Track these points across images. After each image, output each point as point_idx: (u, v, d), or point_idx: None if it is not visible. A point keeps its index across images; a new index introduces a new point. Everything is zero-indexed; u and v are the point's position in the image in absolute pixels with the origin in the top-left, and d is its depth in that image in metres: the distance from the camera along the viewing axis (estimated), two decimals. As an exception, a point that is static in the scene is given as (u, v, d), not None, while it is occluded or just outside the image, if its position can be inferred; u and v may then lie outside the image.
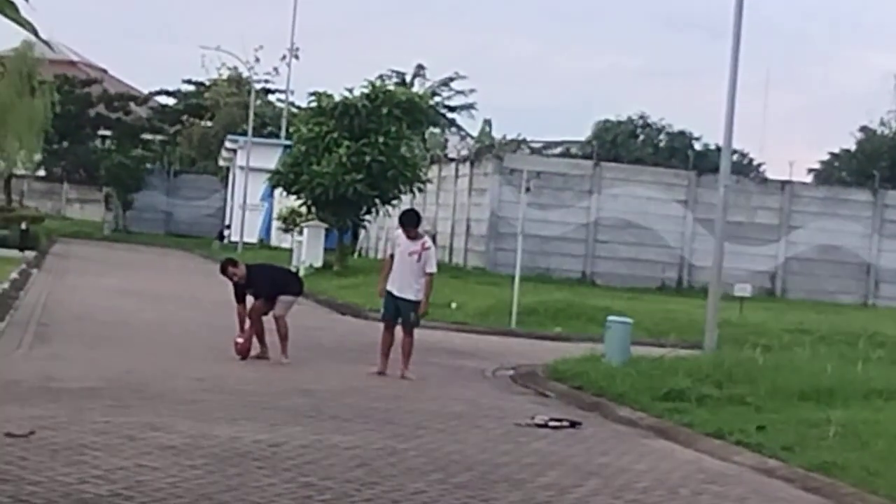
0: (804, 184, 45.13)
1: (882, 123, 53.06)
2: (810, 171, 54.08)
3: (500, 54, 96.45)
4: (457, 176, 42.92)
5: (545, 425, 12.81)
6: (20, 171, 56.71)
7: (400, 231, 15.07)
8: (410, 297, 14.74)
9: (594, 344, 18.67)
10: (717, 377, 15.45)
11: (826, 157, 56.17)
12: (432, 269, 14.98)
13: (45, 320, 20.59)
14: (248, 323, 16.46)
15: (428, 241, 15.26)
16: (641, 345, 18.85)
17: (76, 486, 8.37)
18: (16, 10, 3.78)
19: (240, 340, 16.54)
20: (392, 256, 15.07)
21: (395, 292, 14.73)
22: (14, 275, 27.85)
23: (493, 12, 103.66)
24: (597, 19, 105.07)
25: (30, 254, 37.88)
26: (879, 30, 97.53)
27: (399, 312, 14.89)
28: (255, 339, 16.55)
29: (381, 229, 44.52)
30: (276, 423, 11.64)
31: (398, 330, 15.16)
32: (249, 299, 17.20)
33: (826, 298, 37.50)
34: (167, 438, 10.40)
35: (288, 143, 44.47)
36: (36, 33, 4.41)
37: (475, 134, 53.78)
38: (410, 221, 15.07)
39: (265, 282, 16.86)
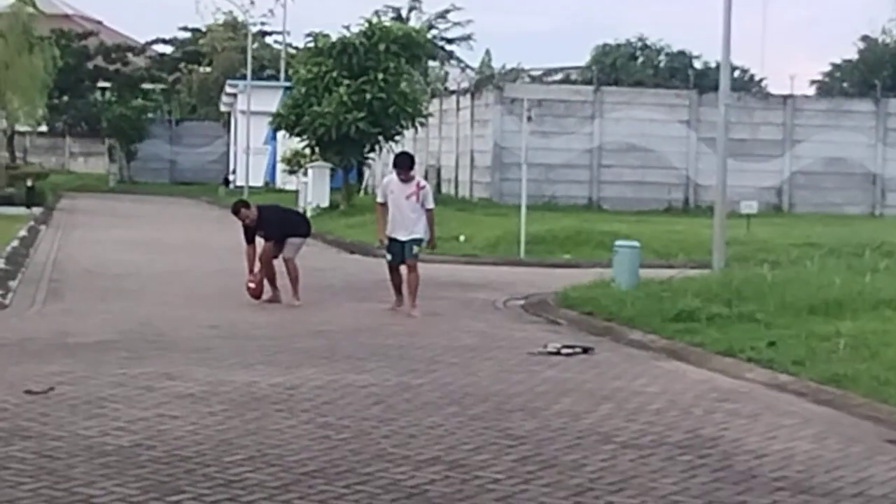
0: (806, 97, 44.93)
1: (883, 32, 53.25)
2: (812, 83, 54.10)
3: None
4: (458, 108, 42.86)
5: (557, 353, 12.87)
6: (22, 128, 56.59)
7: (392, 177, 15.23)
8: (418, 236, 14.86)
9: (603, 269, 18.73)
10: (727, 296, 15.44)
11: (828, 69, 56.04)
12: (431, 204, 15.16)
13: (56, 276, 20.67)
14: (258, 265, 16.42)
15: (422, 180, 15.59)
16: (650, 267, 18.88)
17: (98, 438, 8.43)
18: None
19: (252, 284, 16.51)
20: (383, 204, 15.15)
21: (402, 237, 14.80)
22: (23, 232, 28.23)
23: None
24: None
25: (37, 210, 38.23)
26: None
27: (403, 250, 14.96)
28: (266, 283, 16.52)
29: (385, 166, 44.29)
30: (291, 366, 11.70)
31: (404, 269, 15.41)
32: (260, 242, 16.94)
33: (833, 211, 37.49)
34: (184, 387, 10.49)
35: (288, 84, 44.50)
36: (33, 3, 4.31)
37: (475, 65, 53.81)
38: (405, 163, 15.12)
39: (274, 223, 16.80)
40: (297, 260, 16.96)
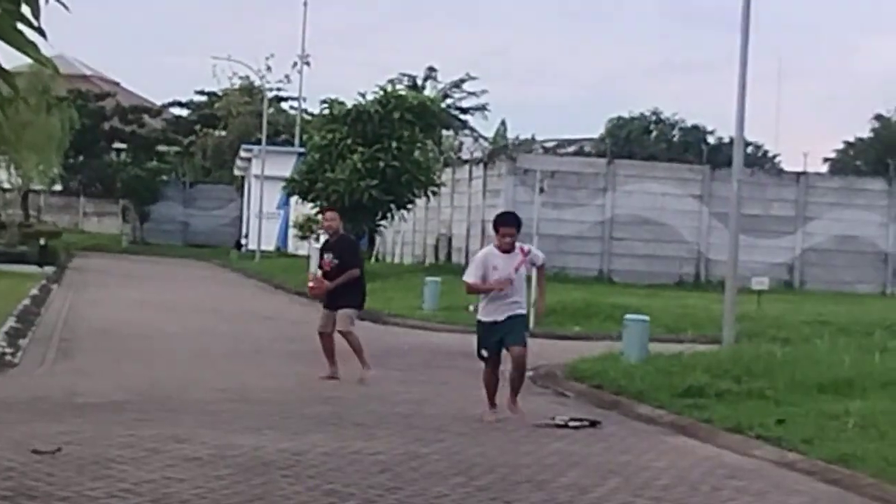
0: (819, 174, 45.20)
1: None
2: (825, 160, 54.80)
3: (513, 54, 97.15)
4: (471, 178, 43.11)
5: (565, 425, 12.82)
6: (37, 187, 57.15)
7: (490, 249, 12.40)
8: (521, 311, 12.33)
9: (613, 342, 18.75)
10: (736, 372, 15.39)
11: (841, 147, 56.49)
12: (541, 260, 12.75)
13: (66, 335, 20.68)
14: (318, 274, 15.88)
15: (525, 245, 12.63)
16: (660, 341, 18.88)
17: (104, 500, 8.44)
18: (36, 49, 3.74)
19: (311, 283, 16.31)
20: (478, 283, 12.26)
21: (501, 318, 12.09)
22: (34, 291, 28.38)
23: (505, 13, 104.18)
24: (610, 17, 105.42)
25: (49, 269, 38.57)
26: (894, 16, 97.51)
27: (507, 335, 12.18)
28: (325, 357, 15.81)
29: (396, 233, 45.66)
30: (298, 432, 11.71)
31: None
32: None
33: (844, 289, 37.53)
34: (192, 450, 10.48)
35: (302, 150, 45.03)
36: (55, 69, 4.34)
37: (489, 135, 54.21)
38: (510, 225, 12.20)
39: (351, 254, 15.88)
40: (353, 330, 15.78)
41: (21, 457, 9.82)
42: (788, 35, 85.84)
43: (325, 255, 15.55)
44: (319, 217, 37.72)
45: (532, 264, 12.33)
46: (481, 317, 12.11)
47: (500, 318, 11.94)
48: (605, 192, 39.20)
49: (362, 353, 15.67)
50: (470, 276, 12.13)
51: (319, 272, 15.84)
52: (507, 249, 11.93)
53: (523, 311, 12.23)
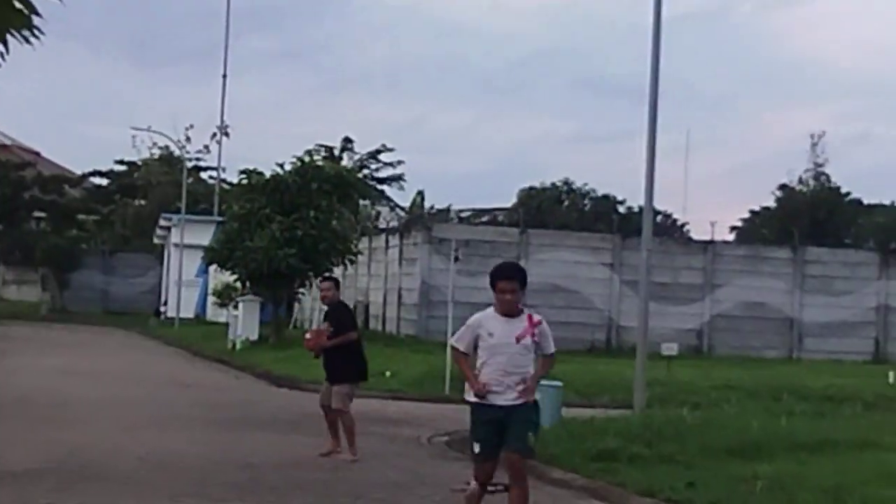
0: (726, 243, 46.19)
1: (800, 182, 54.56)
2: (732, 229, 55.38)
3: (429, 126, 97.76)
4: (387, 246, 43.48)
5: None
6: None
7: (487, 313, 9.37)
8: (530, 398, 9.23)
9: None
10: (647, 436, 15.54)
11: (747, 216, 57.24)
12: (552, 348, 9.37)
13: None
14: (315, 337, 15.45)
15: (536, 315, 9.38)
16: (573, 406, 18.90)
17: None
18: None
19: (308, 336, 15.95)
20: (466, 355, 9.46)
21: (502, 401, 9.09)
22: None
23: (421, 86, 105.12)
24: (524, 89, 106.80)
25: None
26: (797, 91, 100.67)
27: (506, 430, 9.14)
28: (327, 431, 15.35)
29: (314, 300, 44.96)
30: (217, 499, 11.71)
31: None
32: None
33: (752, 354, 38.11)
34: None
35: (221, 219, 45.17)
36: None
37: (406, 205, 54.67)
38: (510, 275, 9.35)
39: (344, 320, 15.20)
40: (349, 410, 14.86)
41: None
42: (696, 108, 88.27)
43: (323, 325, 15.21)
44: (238, 285, 39.44)
45: (536, 345, 9.13)
46: (476, 395, 9.13)
47: (501, 401, 9.02)
48: (518, 260, 38.32)
49: (353, 436, 14.86)
50: (460, 344, 9.34)
51: (322, 325, 15.41)
52: (509, 312, 9.05)
53: (531, 397, 9.15)
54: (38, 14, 3.93)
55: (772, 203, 54.95)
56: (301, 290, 39.39)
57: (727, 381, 25.75)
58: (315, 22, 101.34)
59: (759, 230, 52.97)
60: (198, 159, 65.36)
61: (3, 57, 4.28)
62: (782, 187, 55.09)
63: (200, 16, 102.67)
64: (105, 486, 12.33)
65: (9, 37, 4.06)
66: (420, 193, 49.08)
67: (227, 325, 41.10)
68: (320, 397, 15.17)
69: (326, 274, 16.61)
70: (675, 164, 61.19)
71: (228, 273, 38.87)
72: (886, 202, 52.40)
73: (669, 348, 26.50)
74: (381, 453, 15.79)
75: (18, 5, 3.80)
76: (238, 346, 36.89)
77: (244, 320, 38.02)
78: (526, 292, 8.87)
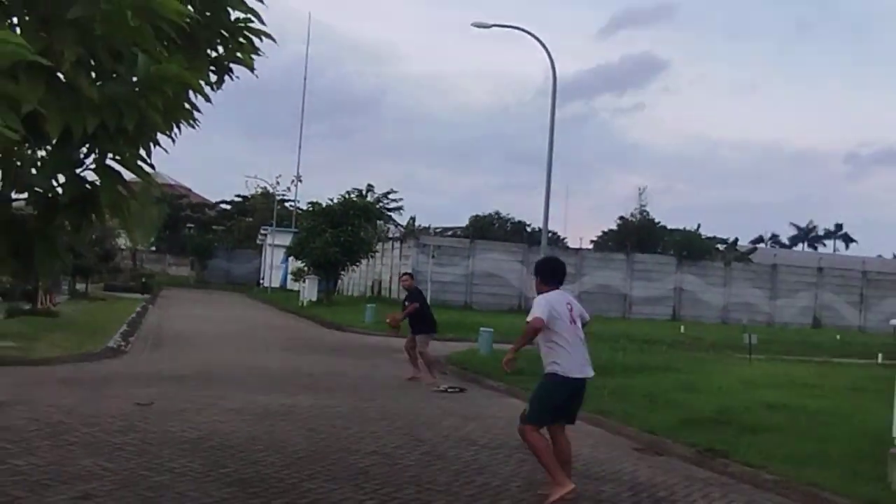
0: (588, 249, 48.66)
1: (632, 215, 54.77)
2: (592, 241, 56.41)
3: (418, 178, 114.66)
4: (392, 249, 46.11)
5: (446, 391, 13.52)
6: (141, 248, 62.55)
7: (555, 294, 7.46)
8: (591, 373, 7.46)
9: (473, 343, 20.06)
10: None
11: (600, 234, 58.45)
12: (587, 316, 7.65)
13: (156, 335, 21.62)
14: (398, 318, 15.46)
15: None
16: (500, 343, 18.93)
17: (179, 433, 8.82)
18: (148, 175, 3.71)
19: (388, 319, 16.02)
20: (537, 330, 7.24)
21: (578, 373, 7.33)
22: (138, 309, 30.79)
23: (414, 154, 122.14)
24: (473, 158, 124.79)
25: (147, 296, 42.04)
26: (633, 161, 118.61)
27: (570, 405, 7.40)
28: (411, 363, 15.32)
29: (349, 279, 49.11)
30: (291, 394, 12.13)
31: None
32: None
33: (602, 314, 39.60)
34: (230, 404, 10.81)
35: (296, 230, 47.33)
36: (156, 184, 4.13)
37: (404, 224, 56.64)
38: (560, 273, 7.63)
39: (415, 297, 15.49)
40: (428, 350, 15.03)
41: (129, 407, 10.20)
42: (573, 170, 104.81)
43: (406, 303, 15.29)
44: (305, 269, 41.77)
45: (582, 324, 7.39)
46: (562, 370, 7.21)
47: (580, 374, 7.31)
48: (468, 258, 42.75)
49: (433, 367, 14.83)
50: (543, 314, 7.21)
51: (406, 304, 15.29)
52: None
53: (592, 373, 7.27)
54: (198, 111, 3.83)
55: (615, 226, 55.44)
56: (342, 272, 41.73)
57: (589, 330, 27.25)
58: (354, 116, 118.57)
59: (607, 243, 53.62)
60: (283, 195, 69.93)
61: (173, 140, 4.27)
62: (621, 218, 55.67)
63: (288, 108, 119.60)
64: (225, 384, 12.79)
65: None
66: (413, 218, 53.68)
67: (298, 291, 43.92)
68: (406, 343, 15.35)
69: (407, 272, 16.74)
70: (560, 203, 71.76)
71: (300, 262, 41.88)
72: (681, 227, 53.37)
73: None
74: (389, 368, 16.56)
75: (187, 106, 3.76)
76: (304, 304, 39.74)
77: (308, 289, 41.08)
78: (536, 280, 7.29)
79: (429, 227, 49.58)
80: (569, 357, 7.34)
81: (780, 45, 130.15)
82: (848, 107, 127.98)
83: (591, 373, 7.50)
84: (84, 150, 3.67)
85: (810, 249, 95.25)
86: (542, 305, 7.34)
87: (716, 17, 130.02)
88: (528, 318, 7.26)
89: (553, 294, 7.49)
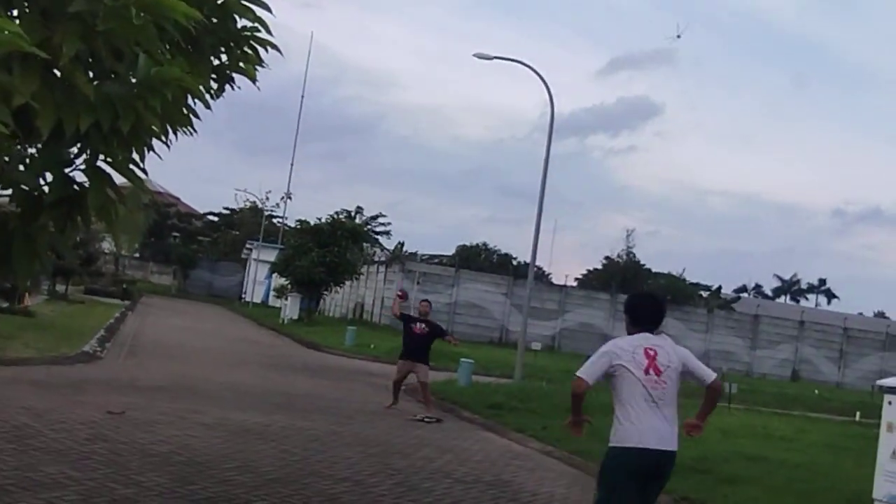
0: (572, 287, 48.57)
1: (618, 256, 54.98)
2: (576, 279, 56.26)
3: (409, 205, 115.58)
4: (377, 273, 46.41)
5: (422, 420, 13.49)
6: (125, 254, 62.44)
7: (630, 340, 5.59)
8: (674, 446, 5.48)
9: (451, 373, 19.78)
10: (521, 396, 16.25)
11: (585, 272, 58.35)
12: (711, 374, 5.70)
13: (133, 343, 21.45)
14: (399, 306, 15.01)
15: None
16: (479, 375, 19.86)
17: (148, 445, 8.71)
18: (140, 180, 3.63)
19: (395, 308, 15.41)
20: (582, 394, 5.56)
21: (640, 442, 5.37)
22: (117, 315, 30.25)
23: (406, 181, 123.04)
24: (462, 190, 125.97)
25: (127, 303, 41.22)
26: (622, 202, 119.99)
27: (645, 485, 5.40)
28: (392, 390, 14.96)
29: (332, 299, 48.73)
30: (267, 412, 12.07)
31: None
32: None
33: (584, 352, 31.22)
34: (203, 419, 10.74)
35: (282, 247, 47.03)
36: (146, 190, 4.06)
37: (391, 248, 55.32)
38: (659, 315, 5.74)
39: (440, 329, 15.26)
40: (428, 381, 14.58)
41: (99, 415, 10.00)
42: (564, 207, 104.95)
43: (419, 324, 14.63)
44: (288, 286, 41.62)
45: (693, 375, 5.62)
46: (617, 438, 5.41)
47: (643, 443, 5.34)
48: (453, 287, 42.79)
49: (431, 402, 14.54)
50: (588, 376, 5.45)
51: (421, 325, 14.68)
52: (655, 346, 5.50)
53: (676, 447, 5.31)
54: (198, 117, 3.77)
55: (600, 266, 55.67)
56: (326, 292, 41.62)
57: (568, 367, 22.56)
58: (349, 139, 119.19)
59: (592, 282, 53.60)
60: (272, 210, 69.77)
61: (168, 146, 4.16)
62: (607, 258, 55.83)
63: (283, 126, 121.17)
64: (200, 398, 12.71)
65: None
66: (401, 243, 52.29)
67: (280, 308, 43.77)
68: (399, 373, 14.72)
69: (426, 298, 16.77)
70: (547, 239, 68.58)
71: (284, 278, 41.85)
72: (665, 272, 53.45)
73: (536, 345, 28.60)
74: (366, 392, 16.67)
75: (186, 112, 3.70)
76: (285, 322, 39.46)
77: (290, 307, 40.84)
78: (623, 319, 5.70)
79: (415, 254, 48.98)
80: (630, 420, 5.35)
81: (775, 98, 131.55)
82: (837, 163, 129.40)
83: (668, 445, 5.36)
84: (75, 149, 3.59)
85: (793, 302, 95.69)
86: (596, 357, 5.50)
87: (714, 67, 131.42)
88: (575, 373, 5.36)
89: (629, 338, 5.55)
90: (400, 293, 15.82)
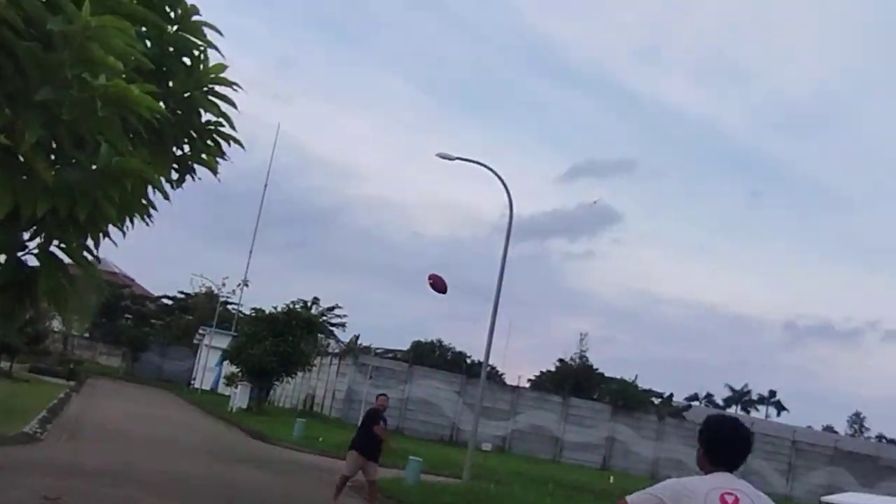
0: (525, 388, 48.09)
1: (571, 358, 55.02)
2: (529, 381, 56.08)
3: (365, 297, 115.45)
4: (330, 364, 46.20)
5: None
6: (74, 333, 62.19)
7: (700, 482, 4.25)
8: None
9: (399, 471, 19.77)
10: (469, 497, 16.21)
11: (538, 374, 58.19)
12: None
13: (76, 425, 21.30)
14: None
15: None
16: (427, 474, 19.48)
17: None
18: (91, 265, 3.64)
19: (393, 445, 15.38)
20: None
21: None
22: (61, 395, 29.75)
23: (360, 275, 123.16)
24: (421, 284, 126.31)
25: (73, 383, 40.71)
26: (575, 306, 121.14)
27: None
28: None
29: (282, 389, 48.74)
30: (211, 502, 12.13)
31: None
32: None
33: (534, 454, 40.78)
34: None
35: (235, 334, 46.96)
36: (97, 275, 4.06)
37: (346, 341, 52.80)
38: (732, 449, 4.39)
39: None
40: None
41: (35, 501, 9.88)
42: (518, 307, 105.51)
43: (381, 422, 14.45)
44: (240, 374, 40.68)
45: None
46: None
47: None
48: (406, 383, 42.49)
49: (377, 501, 14.65)
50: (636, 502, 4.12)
51: (381, 425, 14.54)
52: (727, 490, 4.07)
53: None
54: (155, 209, 3.76)
55: (553, 368, 55.85)
56: (277, 381, 41.36)
57: (518, 470, 26.78)
58: (311, 229, 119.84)
59: (544, 383, 53.74)
60: (227, 297, 68.40)
61: (124, 233, 3.96)
62: (560, 360, 55.80)
63: (245, 213, 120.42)
64: (141, 486, 12.56)
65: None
66: (356, 336, 48.35)
67: (229, 396, 43.48)
68: (348, 467, 14.31)
69: (383, 392, 16.24)
70: (502, 339, 67.45)
71: (235, 366, 41.61)
72: (618, 377, 53.25)
73: (486, 446, 29.48)
74: (314, 487, 16.55)
75: (144, 201, 3.68)
76: (234, 410, 39.03)
77: (240, 395, 40.44)
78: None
79: (370, 347, 48.48)
80: None
81: (731, 212, 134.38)
82: (789, 277, 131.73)
83: None
84: (29, 233, 3.58)
85: (743, 413, 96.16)
86: (656, 490, 4.25)
87: (672, 178, 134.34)
88: None
89: (701, 478, 4.26)
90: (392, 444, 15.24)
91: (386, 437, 14.44)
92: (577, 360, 53.65)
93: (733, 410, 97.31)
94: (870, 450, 59.89)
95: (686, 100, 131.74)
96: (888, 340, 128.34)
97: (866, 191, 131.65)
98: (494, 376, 51.93)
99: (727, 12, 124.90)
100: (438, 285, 15.62)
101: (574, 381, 50.24)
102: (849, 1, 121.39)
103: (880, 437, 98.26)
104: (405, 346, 55.17)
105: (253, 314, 42.59)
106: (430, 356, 50.09)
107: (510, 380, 53.98)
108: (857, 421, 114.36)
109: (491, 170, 23.45)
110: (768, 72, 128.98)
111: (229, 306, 68.82)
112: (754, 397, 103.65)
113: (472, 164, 23.72)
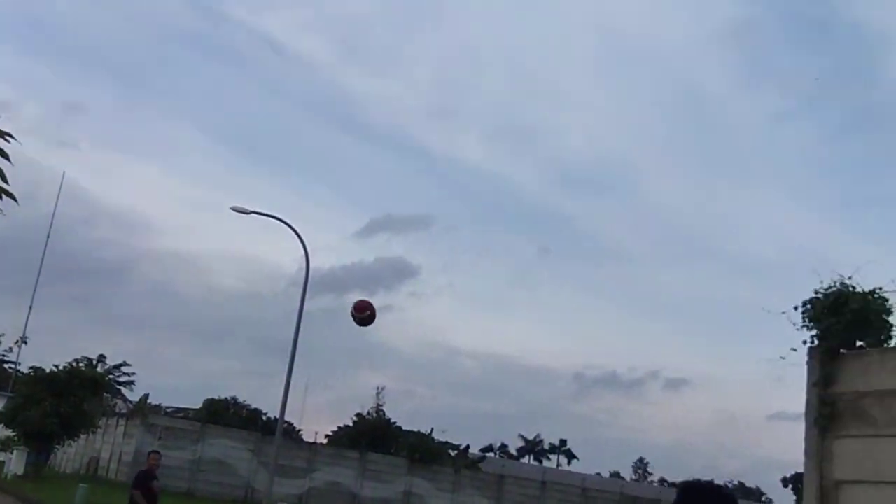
0: (322, 444, 48.82)
1: (368, 413, 54.55)
2: (327, 436, 55.25)
3: (157, 353, 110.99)
4: (116, 426, 45.10)
5: None
6: None
7: None
8: None
9: None
10: None
11: (336, 429, 56.34)
12: None
13: None
14: None
15: None
16: None
17: None
18: None
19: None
20: None
21: None
22: None
23: (155, 329, 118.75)
24: (219, 341, 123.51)
25: None
26: (376, 362, 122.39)
27: None
28: None
29: (64, 453, 47.05)
30: None
31: None
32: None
33: None
34: None
35: (11, 394, 44.83)
36: None
37: (135, 400, 54.08)
38: None
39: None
40: None
41: None
42: (315, 362, 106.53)
43: (155, 482, 15.18)
44: (15, 438, 39.22)
45: None
46: None
47: None
48: (198, 442, 42.20)
49: None
50: None
51: (156, 482, 15.19)
52: None
53: None
54: None
55: (351, 423, 55.06)
56: (58, 445, 40.34)
57: None
58: (99, 282, 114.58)
59: (342, 439, 53.35)
60: (4, 356, 62.81)
61: None
62: (358, 415, 55.16)
63: (26, 266, 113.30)
64: None
65: None
66: (146, 395, 51.08)
67: (3, 462, 41.97)
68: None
69: (157, 450, 17.13)
70: (299, 395, 68.21)
71: (10, 430, 39.82)
72: (416, 430, 53.31)
73: None
74: None
75: None
76: (9, 477, 38.07)
77: (15, 461, 39.34)
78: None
79: (160, 406, 47.50)
80: None
81: (522, 266, 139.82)
82: (578, 330, 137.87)
83: None
84: None
85: (536, 462, 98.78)
86: None
87: (467, 233, 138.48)
88: None
89: None
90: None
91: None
92: (374, 415, 54.26)
93: (526, 460, 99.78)
94: (653, 493, 63.30)
95: (480, 157, 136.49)
96: (668, 388, 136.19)
97: (646, 247, 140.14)
98: (291, 433, 52.14)
99: (517, 76, 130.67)
100: (366, 320, 15.48)
101: (371, 435, 50.92)
102: (629, 77, 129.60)
103: (662, 481, 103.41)
104: (198, 405, 54.25)
105: (31, 373, 40.90)
106: (225, 414, 49.41)
107: (307, 436, 54.15)
108: (641, 466, 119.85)
109: (286, 223, 23.55)
110: (555, 134, 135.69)
111: (6, 365, 64.21)
112: (546, 447, 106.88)
113: (267, 217, 23.62)
